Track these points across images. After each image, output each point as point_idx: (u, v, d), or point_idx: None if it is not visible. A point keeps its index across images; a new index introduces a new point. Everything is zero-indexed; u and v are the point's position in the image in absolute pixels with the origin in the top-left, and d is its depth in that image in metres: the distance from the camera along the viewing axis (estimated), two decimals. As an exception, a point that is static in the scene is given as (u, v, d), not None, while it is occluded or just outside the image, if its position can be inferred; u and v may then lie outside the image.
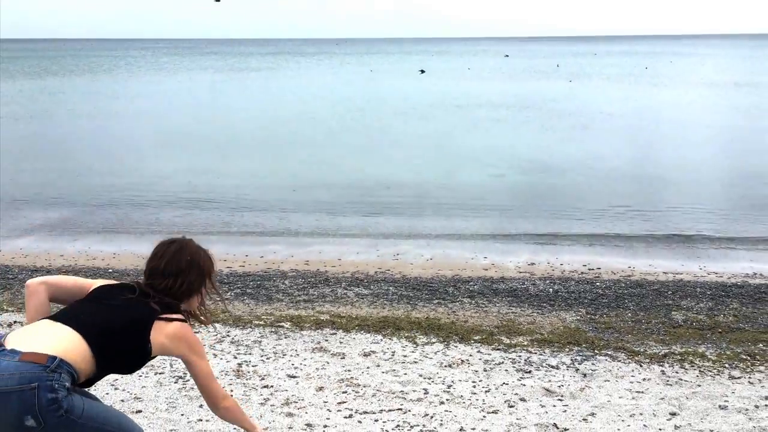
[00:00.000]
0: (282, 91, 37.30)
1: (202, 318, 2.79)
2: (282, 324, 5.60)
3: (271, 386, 4.32)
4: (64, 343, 2.33)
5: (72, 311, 2.50)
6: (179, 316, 2.58)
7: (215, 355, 4.82)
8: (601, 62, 70.81)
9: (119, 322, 2.45)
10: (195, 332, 2.66)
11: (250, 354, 4.87)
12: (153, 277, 2.63)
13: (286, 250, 8.79)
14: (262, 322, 5.63)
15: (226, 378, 4.42)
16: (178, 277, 2.63)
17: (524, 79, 45.22)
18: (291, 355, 4.86)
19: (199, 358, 2.58)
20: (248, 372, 4.54)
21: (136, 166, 15.17)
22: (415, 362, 4.75)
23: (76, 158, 16.27)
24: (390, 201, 11.82)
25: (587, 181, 13.42)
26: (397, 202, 11.71)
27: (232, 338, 5.20)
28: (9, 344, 2.30)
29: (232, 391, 4.22)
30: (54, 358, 2.25)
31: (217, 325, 5.49)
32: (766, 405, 4.11)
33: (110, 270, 7.75)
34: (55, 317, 2.45)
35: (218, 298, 2.87)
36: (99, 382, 2.91)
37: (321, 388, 4.30)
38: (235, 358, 4.79)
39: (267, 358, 4.79)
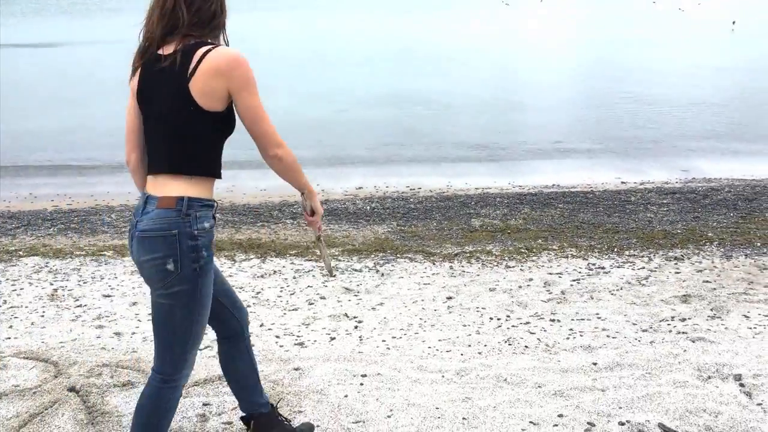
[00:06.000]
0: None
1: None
2: (104, 253, 5.74)
3: (85, 305, 4.53)
4: (174, 182, 2.27)
5: (150, 151, 2.41)
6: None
7: (30, 284, 4.93)
8: None
9: (169, 123, 2.32)
10: None
11: (67, 280, 5.02)
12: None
13: (115, 188, 8.75)
14: (83, 253, 5.75)
15: (39, 302, 4.57)
16: None
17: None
18: (109, 278, 5.06)
19: (250, 94, 2.32)
20: (63, 296, 4.71)
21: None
22: (230, 276, 5.10)
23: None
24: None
25: (430, 114, 14.06)
26: (236, 136, 11.79)
27: (50, 268, 5.30)
28: (148, 189, 2.33)
29: (43, 314, 4.39)
30: (181, 199, 2.25)
31: (35, 257, 5.56)
32: (528, 285, 4.83)
33: None
34: (150, 165, 2.39)
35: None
36: None
37: (134, 303, 4.56)
38: (51, 284, 4.93)
39: (84, 283, 4.97)
